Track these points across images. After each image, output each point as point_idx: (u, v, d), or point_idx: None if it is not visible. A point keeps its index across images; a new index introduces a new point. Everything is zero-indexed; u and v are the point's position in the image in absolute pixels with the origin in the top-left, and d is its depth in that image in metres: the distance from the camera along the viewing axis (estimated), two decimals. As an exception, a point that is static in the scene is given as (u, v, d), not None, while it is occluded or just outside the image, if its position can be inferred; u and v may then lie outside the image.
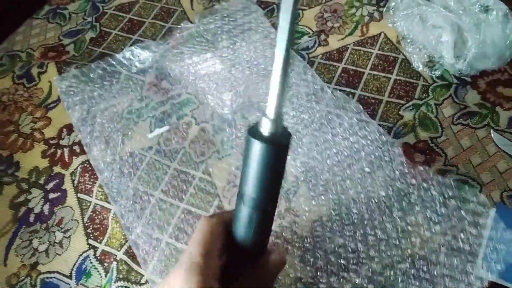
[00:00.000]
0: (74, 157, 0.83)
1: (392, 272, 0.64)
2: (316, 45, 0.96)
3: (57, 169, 0.83)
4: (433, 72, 0.86)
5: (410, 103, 0.83)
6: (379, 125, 0.79)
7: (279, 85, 0.38)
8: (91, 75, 0.95)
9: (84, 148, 0.84)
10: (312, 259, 0.67)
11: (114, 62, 0.96)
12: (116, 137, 0.85)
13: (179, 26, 0.99)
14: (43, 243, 0.75)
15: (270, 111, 0.40)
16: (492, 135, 0.76)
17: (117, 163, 0.81)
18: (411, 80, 0.86)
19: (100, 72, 0.95)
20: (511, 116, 0.79)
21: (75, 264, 0.72)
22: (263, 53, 0.93)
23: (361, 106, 0.82)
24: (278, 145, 0.40)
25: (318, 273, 0.66)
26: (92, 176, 0.80)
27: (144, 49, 0.96)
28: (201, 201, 0.75)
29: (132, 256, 0.71)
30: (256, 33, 0.97)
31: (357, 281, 0.64)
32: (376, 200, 0.71)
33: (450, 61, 0.83)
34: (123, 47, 1.01)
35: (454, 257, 0.64)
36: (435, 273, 0.63)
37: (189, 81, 0.90)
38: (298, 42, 0.96)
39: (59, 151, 0.85)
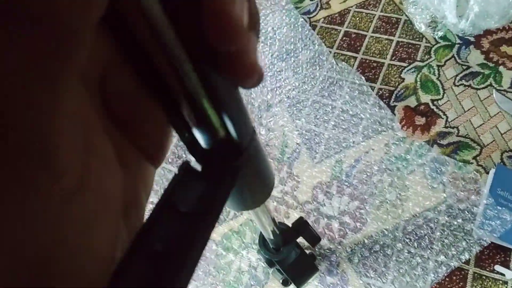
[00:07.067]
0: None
1: (390, 231, 0.66)
2: (318, 8, 0.94)
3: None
4: (435, 33, 0.85)
5: (412, 65, 0.82)
6: (380, 89, 0.80)
7: None
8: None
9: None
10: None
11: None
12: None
13: None
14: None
15: None
16: (493, 95, 0.75)
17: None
18: (414, 42, 0.85)
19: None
20: (514, 75, 0.78)
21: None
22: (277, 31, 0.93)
23: (363, 78, 0.81)
24: None
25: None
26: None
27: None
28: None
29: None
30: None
31: (358, 236, 0.66)
32: (369, 172, 0.72)
33: (453, 20, 0.82)
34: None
35: (450, 217, 0.65)
36: (430, 229, 0.65)
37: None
38: (300, 6, 0.95)
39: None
